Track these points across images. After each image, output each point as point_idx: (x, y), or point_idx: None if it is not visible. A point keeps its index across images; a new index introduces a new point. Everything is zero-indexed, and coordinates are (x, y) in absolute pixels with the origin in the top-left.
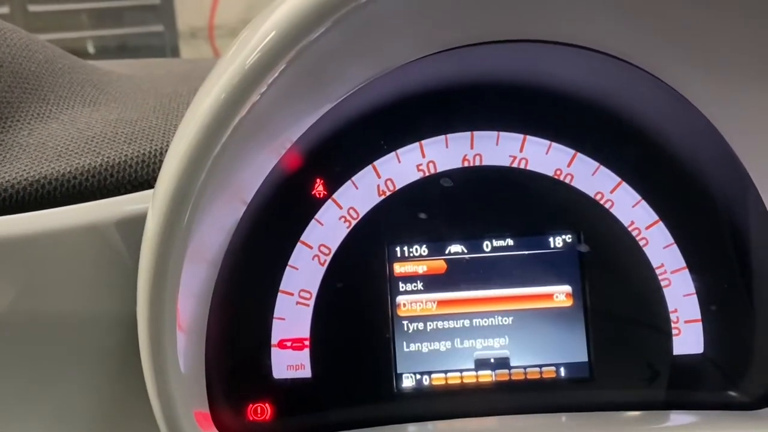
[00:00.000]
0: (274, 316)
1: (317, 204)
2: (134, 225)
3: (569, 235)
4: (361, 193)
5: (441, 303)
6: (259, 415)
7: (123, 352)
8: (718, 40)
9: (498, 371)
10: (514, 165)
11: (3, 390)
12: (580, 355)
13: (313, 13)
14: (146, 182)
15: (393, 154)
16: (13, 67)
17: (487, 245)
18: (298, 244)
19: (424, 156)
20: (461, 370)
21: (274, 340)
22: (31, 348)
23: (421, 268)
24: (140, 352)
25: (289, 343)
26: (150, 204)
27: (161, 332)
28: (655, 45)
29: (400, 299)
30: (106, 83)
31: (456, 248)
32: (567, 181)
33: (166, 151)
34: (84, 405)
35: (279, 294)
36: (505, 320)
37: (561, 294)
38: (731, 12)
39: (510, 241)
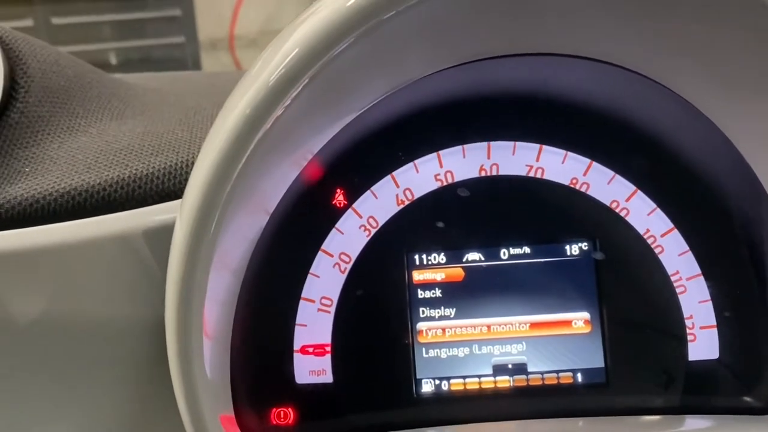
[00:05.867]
0: (296, 322)
1: (337, 213)
2: (161, 235)
3: (585, 243)
4: (381, 202)
5: (459, 310)
6: (282, 420)
7: (151, 358)
8: (730, 53)
9: (516, 377)
10: (531, 174)
11: (35, 394)
12: (597, 360)
13: (335, 30)
14: (173, 193)
15: (411, 164)
16: (44, 82)
17: (504, 253)
18: (319, 252)
19: (441, 166)
20: (479, 376)
21: (297, 346)
22: (63, 354)
23: (439, 275)
24: (168, 358)
25: (311, 349)
26: (178, 214)
27: (189, 339)
28: (668, 58)
29: (419, 306)
30: (132, 97)
31: (473, 256)
32: (583, 189)
33: (192, 162)
34: (113, 410)
35: (301, 301)
36: (522, 326)
37: None
38: (745, 26)
39: (527, 249)
